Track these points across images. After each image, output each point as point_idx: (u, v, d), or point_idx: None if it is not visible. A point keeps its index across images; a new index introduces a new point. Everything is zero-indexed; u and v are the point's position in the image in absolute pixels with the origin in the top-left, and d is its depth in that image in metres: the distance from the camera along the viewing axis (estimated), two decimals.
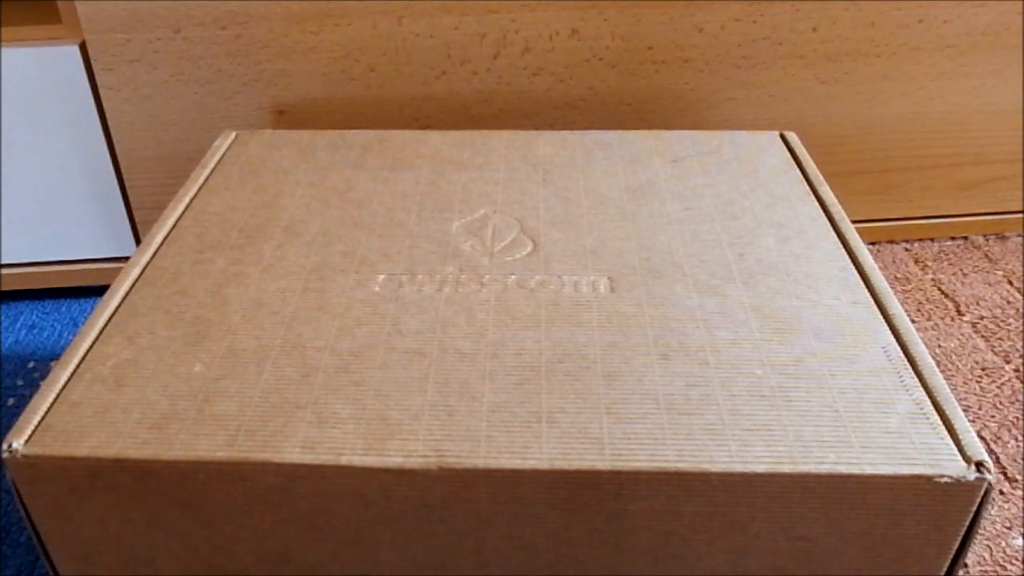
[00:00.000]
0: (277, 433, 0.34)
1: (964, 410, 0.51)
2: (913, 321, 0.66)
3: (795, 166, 0.54)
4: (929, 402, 0.36)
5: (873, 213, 0.74)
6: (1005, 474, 0.54)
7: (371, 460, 0.33)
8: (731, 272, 0.44)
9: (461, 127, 0.66)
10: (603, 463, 0.33)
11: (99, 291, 0.71)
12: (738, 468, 0.33)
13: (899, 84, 0.67)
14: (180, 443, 0.34)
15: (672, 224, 0.48)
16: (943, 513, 0.33)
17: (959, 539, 0.34)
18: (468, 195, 0.51)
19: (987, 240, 0.76)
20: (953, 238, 0.76)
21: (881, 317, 0.41)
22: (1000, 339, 0.64)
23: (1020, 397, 0.59)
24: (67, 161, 0.64)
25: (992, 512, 0.51)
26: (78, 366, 0.38)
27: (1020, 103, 0.69)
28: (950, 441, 0.34)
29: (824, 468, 0.33)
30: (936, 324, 0.66)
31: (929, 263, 0.73)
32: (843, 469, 0.33)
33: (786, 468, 0.33)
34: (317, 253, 0.45)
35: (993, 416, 0.58)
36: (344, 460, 0.33)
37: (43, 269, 0.69)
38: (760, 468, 0.33)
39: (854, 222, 0.49)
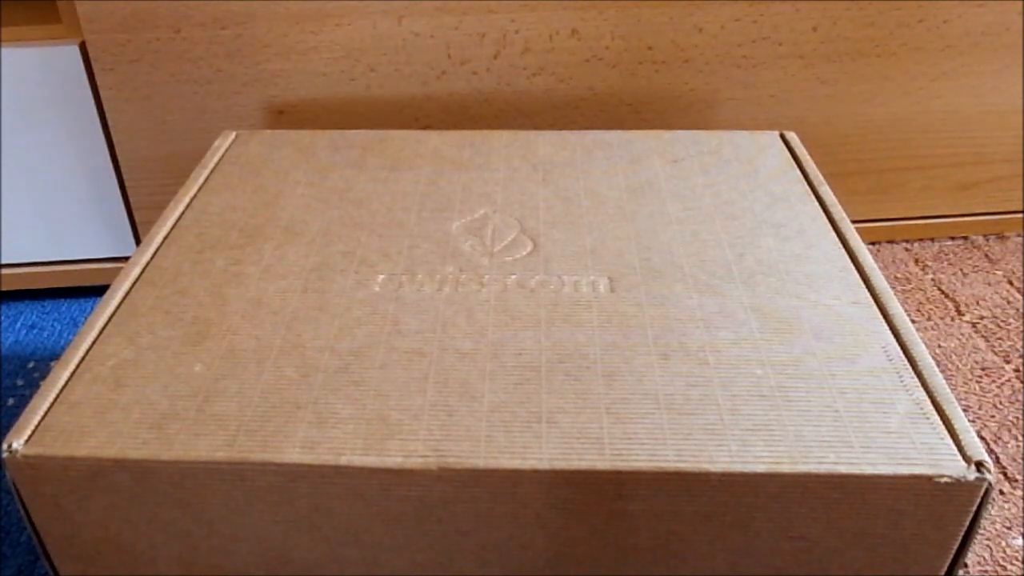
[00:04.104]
0: (277, 433, 0.34)
1: (964, 410, 0.51)
2: (913, 321, 0.66)
3: (795, 166, 0.54)
4: (929, 402, 0.36)
5: (873, 213, 0.74)
6: (1005, 474, 0.54)
7: (371, 460, 0.33)
8: (731, 272, 0.44)
9: (461, 127, 0.66)
10: (603, 463, 0.33)
11: (99, 291, 0.71)
12: (738, 468, 0.33)
13: (899, 84, 0.67)
14: (180, 443, 0.34)
15: (672, 224, 0.48)
16: (943, 513, 0.33)
17: (959, 539, 0.34)
18: (468, 195, 0.51)
19: (987, 240, 0.76)
20: (953, 238, 0.76)
21: (881, 317, 0.41)
22: (1000, 339, 0.64)
23: (1020, 397, 0.59)
24: (67, 161, 0.64)
25: (992, 512, 0.51)
26: (78, 366, 0.38)
27: (1020, 103, 0.69)
28: (950, 441, 0.34)
29: (824, 468, 0.33)
30: (936, 324, 0.66)
31: (929, 263, 0.73)
32: (843, 469, 0.33)
33: (786, 468, 0.33)
34: (317, 253, 0.45)
35: (993, 416, 0.58)
36: (344, 460, 0.33)
37: (43, 269, 0.69)
38: (760, 468, 0.33)
39: (854, 222, 0.49)
